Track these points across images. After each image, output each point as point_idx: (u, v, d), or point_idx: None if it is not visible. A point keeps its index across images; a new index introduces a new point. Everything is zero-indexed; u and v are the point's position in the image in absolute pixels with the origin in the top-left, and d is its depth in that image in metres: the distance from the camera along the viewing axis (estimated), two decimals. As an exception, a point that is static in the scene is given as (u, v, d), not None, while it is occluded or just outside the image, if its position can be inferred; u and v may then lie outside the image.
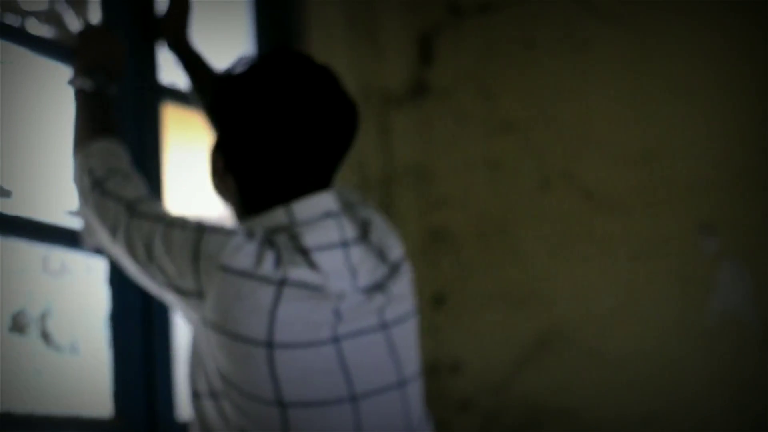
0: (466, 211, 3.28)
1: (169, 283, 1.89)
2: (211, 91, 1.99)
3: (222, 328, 1.83)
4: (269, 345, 1.82)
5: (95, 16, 2.44)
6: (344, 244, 1.90)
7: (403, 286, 1.96)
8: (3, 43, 2.29)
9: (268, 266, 1.83)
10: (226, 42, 3.01)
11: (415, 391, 1.96)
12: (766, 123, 3.08)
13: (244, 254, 1.83)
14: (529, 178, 3.22)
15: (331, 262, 1.87)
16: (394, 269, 1.95)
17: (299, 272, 1.84)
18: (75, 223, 2.38)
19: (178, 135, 2.58)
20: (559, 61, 3.30)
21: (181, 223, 1.90)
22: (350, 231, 1.92)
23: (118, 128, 2.16)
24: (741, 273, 2.99)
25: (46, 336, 2.45)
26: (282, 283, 1.83)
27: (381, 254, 1.95)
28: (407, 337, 1.95)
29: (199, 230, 1.87)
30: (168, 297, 1.92)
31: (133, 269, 1.96)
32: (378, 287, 1.92)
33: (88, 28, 2.29)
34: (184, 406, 2.47)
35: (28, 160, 2.56)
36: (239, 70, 1.91)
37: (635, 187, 3.20)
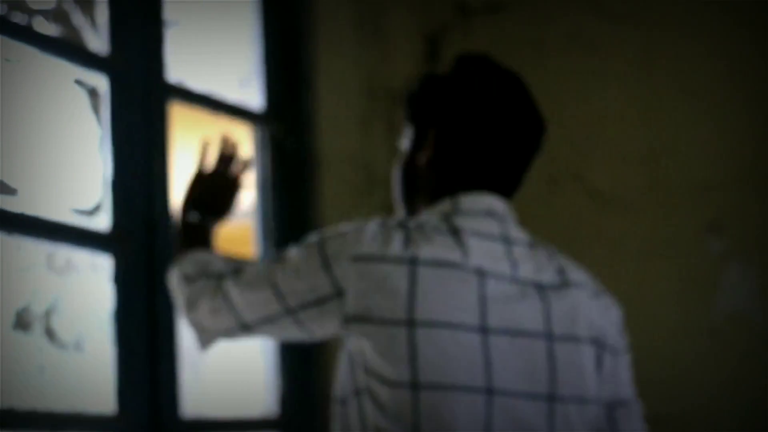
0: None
1: (305, 305, 1.93)
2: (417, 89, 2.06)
3: (363, 317, 1.87)
4: (410, 323, 1.85)
5: (102, 14, 2.44)
6: (505, 239, 1.95)
7: (584, 308, 1.96)
8: (10, 41, 2.30)
9: (396, 247, 1.88)
10: (233, 40, 3.02)
11: (570, 413, 1.92)
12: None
13: (369, 241, 1.89)
14: (537, 178, 3.19)
15: (484, 247, 1.91)
16: (568, 284, 1.97)
17: (431, 250, 1.88)
18: (81, 221, 2.39)
19: (185, 134, 2.58)
20: (566, 61, 3.30)
21: (292, 250, 1.98)
22: (516, 233, 1.97)
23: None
24: (748, 273, 2.99)
25: (50, 333, 2.45)
26: (413, 261, 1.87)
27: (559, 269, 1.98)
28: (577, 361, 1.93)
29: (317, 240, 1.95)
30: (312, 325, 1.95)
31: (276, 328, 1.99)
32: (541, 288, 1.94)
33: (205, 173, 2.29)
34: (187, 404, 2.47)
35: (34, 158, 2.56)
36: (447, 73, 2.03)
37: (643, 187, 3.20)
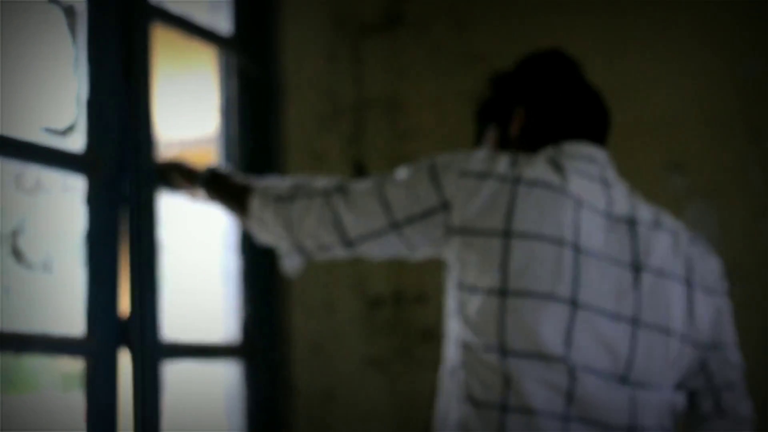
0: (436, 141, 3.28)
1: (412, 218, 2.06)
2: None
3: (465, 228, 2.01)
4: (506, 234, 1.98)
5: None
6: (604, 181, 2.09)
7: (678, 249, 2.08)
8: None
9: (503, 166, 2.04)
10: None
11: (652, 340, 2.01)
12: (735, 63, 3.10)
13: (477, 159, 2.06)
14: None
15: (583, 183, 2.05)
16: (661, 225, 2.09)
17: (536, 172, 2.03)
18: (55, 142, 2.36)
19: (167, 57, 2.56)
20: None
21: (401, 169, 2.13)
22: (614, 179, 2.11)
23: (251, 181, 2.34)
24: (709, 211, 3.03)
25: (17, 253, 2.42)
26: (517, 180, 2.01)
27: (656, 213, 2.12)
28: (663, 293, 2.03)
29: (428, 158, 2.11)
30: (415, 239, 2.09)
31: (377, 244, 2.12)
32: (634, 223, 2.05)
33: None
34: (162, 324, 2.48)
35: (4, 76, 2.53)
36: (538, 58, 2.24)
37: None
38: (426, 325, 3.20)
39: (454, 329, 2.06)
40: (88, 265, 2.34)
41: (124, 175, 2.40)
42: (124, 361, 2.39)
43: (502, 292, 1.96)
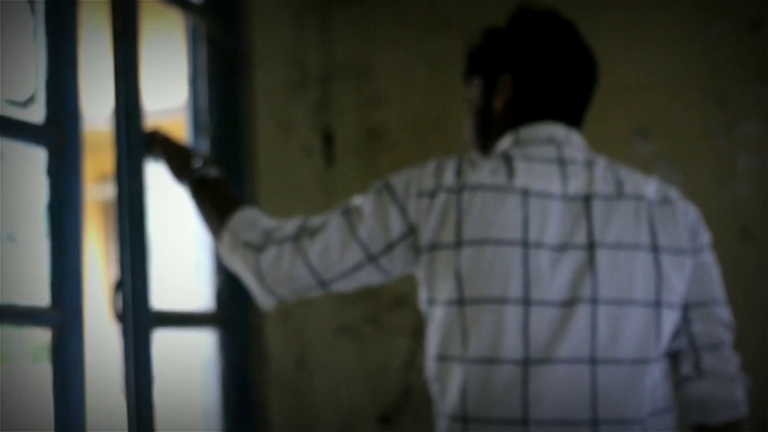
0: (403, 109, 3.29)
1: (387, 248, 2.09)
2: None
3: (428, 246, 2.05)
4: (458, 244, 2.01)
5: None
6: (560, 161, 2.09)
7: (642, 216, 2.06)
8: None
9: (449, 177, 2.06)
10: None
11: (612, 314, 2.00)
12: (701, 29, 3.10)
13: (427, 175, 2.09)
14: (468, 79, 3.24)
15: (533, 169, 2.06)
16: (623, 195, 2.07)
17: (479, 176, 2.05)
18: (21, 116, 2.36)
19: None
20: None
21: (358, 199, 2.14)
22: (574, 154, 2.11)
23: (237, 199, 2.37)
24: (673, 175, 3.04)
25: (-19, 225, 2.44)
26: (461, 188, 2.04)
27: (617, 182, 2.09)
28: (623, 265, 2.02)
29: (382, 184, 2.12)
30: (390, 266, 2.12)
31: (353, 279, 2.15)
32: (589, 199, 2.05)
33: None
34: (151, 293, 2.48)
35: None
36: (533, 20, 2.20)
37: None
38: (397, 292, 3.22)
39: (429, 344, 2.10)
40: (51, 236, 2.34)
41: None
42: (93, 330, 2.41)
43: (460, 302, 2.00)
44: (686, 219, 2.11)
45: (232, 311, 3.00)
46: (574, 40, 2.20)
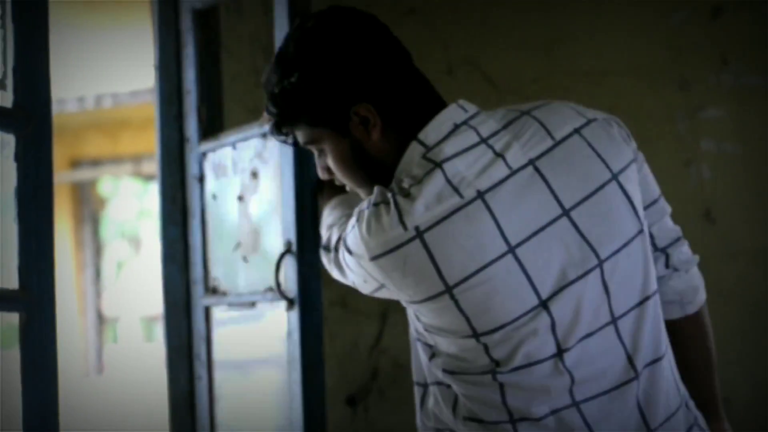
0: (370, 95, 3.30)
1: (374, 291, 2.03)
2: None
3: (412, 300, 1.94)
4: (449, 290, 1.88)
5: None
6: (485, 141, 1.93)
7: (587, 152, 1.93)
8: None
9: (397, 230, 1.88)
10: None
11: (618, 261, 1.92)
12: (664, 15, 3.14)
13: (374, 239, 1.90)
14: (434, 65, 3.25)
15: (469, 160, 1.91)
16: (557, 141, 1.93)
17: (425, 210, 1.87)
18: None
19: (102, 10, 2.56)
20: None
21: (335, 249, 2.12)
22: (485, 129, 1.95)
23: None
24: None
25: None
26: (418, 232, 1.88)
27: (544, 132, 1.95)
28: (602, 210, 1.92)
29: (344, 247, 1.98)
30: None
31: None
32: (534, 163, 1.91)
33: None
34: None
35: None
36: (324, 27, 2.08)
37: (537, 75, 3.25)
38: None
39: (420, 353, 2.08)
40: (20, 221, 2.35)
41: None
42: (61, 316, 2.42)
43: (475, 335, 1.92)
44: (618, 128, 2.02)
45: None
46: (380, 26, 2.09)
